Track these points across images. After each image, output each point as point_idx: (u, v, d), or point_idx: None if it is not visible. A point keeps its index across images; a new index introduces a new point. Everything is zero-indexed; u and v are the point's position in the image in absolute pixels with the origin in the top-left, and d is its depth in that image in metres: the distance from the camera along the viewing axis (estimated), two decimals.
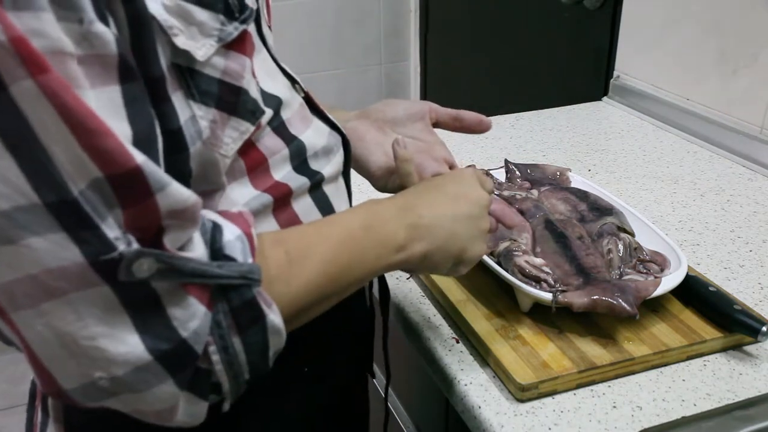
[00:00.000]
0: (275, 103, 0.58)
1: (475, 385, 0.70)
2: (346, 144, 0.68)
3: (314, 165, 0.63)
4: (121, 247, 0.42)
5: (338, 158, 0.66)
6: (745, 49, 1.17)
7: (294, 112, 0.62)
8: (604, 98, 1.48)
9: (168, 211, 0.44)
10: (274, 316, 0.50)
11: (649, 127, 1.34)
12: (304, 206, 0.61)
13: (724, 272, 0.88)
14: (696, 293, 0.78)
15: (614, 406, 0.67)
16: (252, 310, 0.49)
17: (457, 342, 0.76)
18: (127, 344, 0.44)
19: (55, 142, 0.40)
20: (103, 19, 0.42)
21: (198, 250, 0.47)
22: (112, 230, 0.42)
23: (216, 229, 0.49)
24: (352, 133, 0.75)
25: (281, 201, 0.59)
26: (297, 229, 0.58)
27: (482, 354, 0.74)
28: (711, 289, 0.78)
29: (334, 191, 0.65)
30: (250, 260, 0.49)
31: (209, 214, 0.50)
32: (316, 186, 0.62)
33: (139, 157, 0.42)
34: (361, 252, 0.59)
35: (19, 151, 0.40)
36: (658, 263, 0.80)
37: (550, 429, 0.65)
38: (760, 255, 0.92)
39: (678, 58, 1.31)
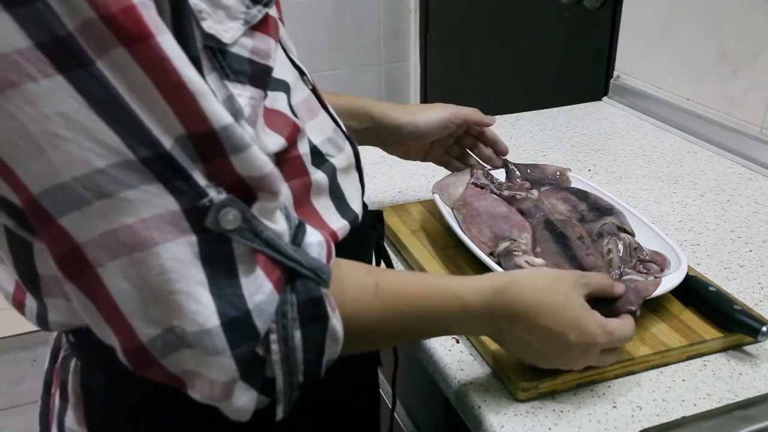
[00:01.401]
0: (284, 87, 0.59)
1: (475, 385, 0.70)
2: (351, 140, 0.69)
3: (323, 152, 0.63)
4: (212, 193, 0.46)
5: (348, 150, 0.67)
6: (745, 49, 1.17)
7: (301, 100, 0.62)
8: (604, 98, 1.48)
9: (246, 176, 0.47)
10: (336, 322, 0.52)
11: (649, 127, 1.34)
12: (323, 202, 0.62)
13: (724, 272, 0.88)
14: (696, 293, 0.78)
15: (614, 406, 0.67)
16: (317, 308, 0.51)
17: (457, 342, 0.76)
18: (200, 303, 0.46)
19: (146, 104, 0.43)
20: None
21: (280, 227, 0.50)
22: (202, 180, 0.46)
23: (301, 227, 0.52)
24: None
25: (301, 195, 0.60)
26: (396, 271, 0.64)
27: (482, 354, 0.74)
28: (711, 289, 0.78)
29: (348, 184, 0.66)
30: (324, 262, 0.52)
31: (299, 216, 0.54)
32: (332, 179, 0.63)
33: (224, 120, 0.45)
34: (441, 326, 0.63)
35: (112, 116, 0.43)
36: (658, 263, 0.80)
37: (550, 429, 0.65)
38: (760, 255, 0.92)
39: (678, 58, 1.31)
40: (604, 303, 0.67)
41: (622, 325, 0.66)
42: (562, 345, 0.63)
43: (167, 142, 0.44)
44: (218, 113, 0.45)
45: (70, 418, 0.62)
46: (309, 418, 0.65)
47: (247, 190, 0.47)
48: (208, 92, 0.44)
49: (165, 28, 0.43)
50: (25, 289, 0.55)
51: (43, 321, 0.56)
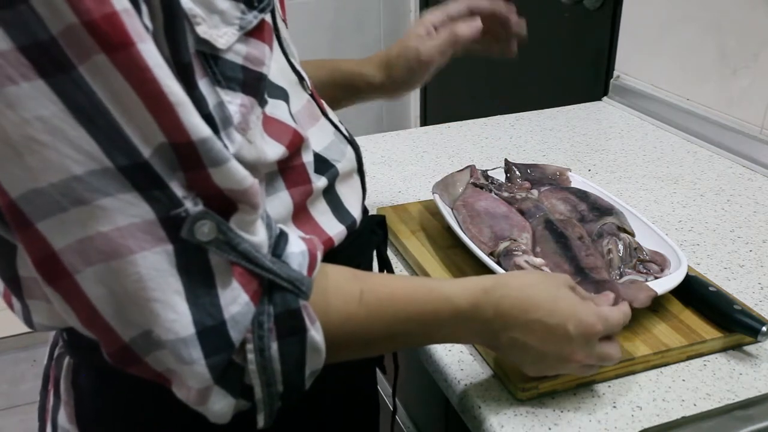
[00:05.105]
0: (283, 94, 0.59)
1: (475, 385, 0.70)
2: (353, 144, 0.68)
3: (329, 159, 0.63)
4: (188, 204, 0.46)
5: (350, 154, 0.67)
6: (745, 49, 1.17)
7: (301, 107, 0.62)
8: (604, 98, 1.48)
9: (226, 188, 0.47)
10: (316, 333, 0.52)
11: (649, 127, 1.34)
12: (318, 207, 0.62)
13: (724, 272, 0.88)
14: (696, 293, 0.78)
15: (614, 406, 0.67)
16: (294, 320, 0.50)
17: None
18: (177, 312, 0.46)
19: (127, 112, 0.43)
20: (136, 7, 0.43)
21: (258, 238, 0.49)
22: (179, 190, 0.45)
23: (282, 237, 0.52)
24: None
25: (300, 203, 0.59)
26: (382, 276, 0.63)
27: (482, 354, 0.74)
28: (711, 289, 0.78)
29: (347, 188, 0.65)
30: (305, 273, 0.51)
31: (282, 226, 0.53)
32: (330, 184, 0.63)
33: (203, 132, 0.45)
34: (432, 331, 0.61)
35: (91, 123, 0.42)
36: (658, 263, 0.80)
37: (550, 429, 0.65)
38: (760, 255, 0.92)
39: (678, 58, 1.31)
40: None
41: (616, 310, 0.64)
42: (562, 338, 0.61)
43: (146, 151, 0.44)
44: (197, 125, 0.44)
45: (63, 416, 0.63)
46: (305, 421, 0.65)
47: (226, 202, 0.47)
48: (188, 103, 0.44)
49: (147, 37, 0.43)
50: (9, 289, 0.55)
51: (28, 321, 0.56)
